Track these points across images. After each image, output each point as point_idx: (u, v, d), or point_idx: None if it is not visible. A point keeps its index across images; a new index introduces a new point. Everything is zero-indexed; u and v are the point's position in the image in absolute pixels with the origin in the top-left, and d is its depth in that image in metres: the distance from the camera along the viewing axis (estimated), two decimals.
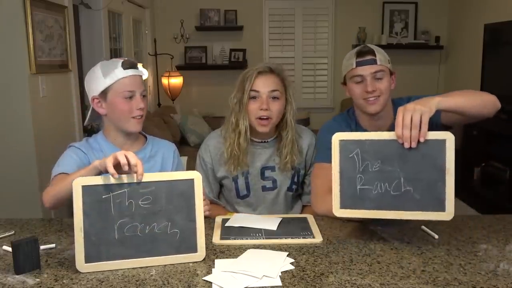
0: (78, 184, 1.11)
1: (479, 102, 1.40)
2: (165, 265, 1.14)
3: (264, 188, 1.71)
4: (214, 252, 1.22)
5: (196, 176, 1.19)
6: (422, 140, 1.20)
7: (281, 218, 1.46)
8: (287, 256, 1.18)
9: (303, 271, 1.10)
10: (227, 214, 1.63)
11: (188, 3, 5.21)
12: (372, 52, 1.53)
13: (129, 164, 1.14)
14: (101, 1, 3.62)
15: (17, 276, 1.09)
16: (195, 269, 1.12)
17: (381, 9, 5.30)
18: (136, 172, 1.14)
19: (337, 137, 1.28)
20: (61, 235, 1.35)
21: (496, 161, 3.77)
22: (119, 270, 1.12)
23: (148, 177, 1.16)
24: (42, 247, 1.22)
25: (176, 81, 4.98)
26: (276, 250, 1.22)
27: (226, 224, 1.41)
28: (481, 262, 1.14)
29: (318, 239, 1.29)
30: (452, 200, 1.20)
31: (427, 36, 5.25)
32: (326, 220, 1.45)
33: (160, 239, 1.15)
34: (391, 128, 1.60)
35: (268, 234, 1.33)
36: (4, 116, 2.46)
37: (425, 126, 1.20)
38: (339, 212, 1.28)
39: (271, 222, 1.41)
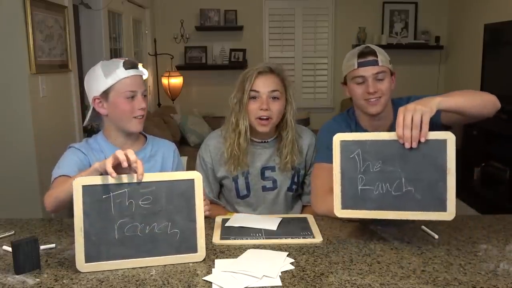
0: (78, 184, 1.11)
1: (479, 102, 1.40)
2: (165, 265, 1.14)
3: (264, 188, 1.71)
4: (214, 252, 1.21)
5: (196, 176, 1.19)
6: (423, 140, 1.20)
7: (281, 218, 1.46)
8: (287, 256, 1.18)
9: (303, 271, 1.10)
10: (227, 214, 1.63)
11: (188, 3, 5.21)
12: (374, 53, 1.53)
13: (129, 163, 1.14)
14: (101, 1, 3.62)
15: (17, 276, 1.09)
16: (195, 269, 1.12)
17: (381, 9, 5.30)
18: (136, 170, 1.14)
19: (338, 138, 1.28)
20: (61, 235, 1.35)
21: (496, 161, 3.77)
22: (119, 270, 1.12)
23: (148, 177, 1.16)
24: (42, 247, 1.22)
25: (176, 81, 4.98)
26: (276, 250, 1.22)
27: (226, 224, 1.41)
28: (481, 262, 1.14)
29: (318, 239, 1.29)
30: (453, 200, 1.20)
31: (427, 36, 5.25)
32: (326, 220, 1.45)
33: (160, 239, 1.15)
34: (391, 128, 1.60)
35: (268, 234, 1.33)
36: (4, 116, 2.46)
37: (426, 126, 1.20)
38: (340, 212, 1.28)
39: (271, 222, 1.41)
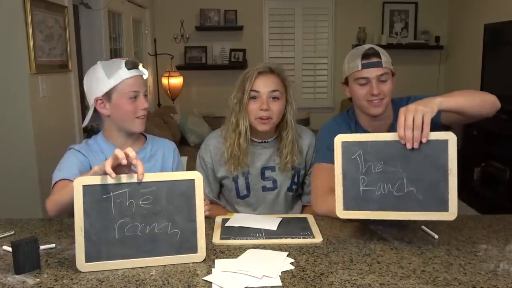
0: (78, 183, 1.12)
1: (478, 102, 1.40)
2: (165, 265, 1.14)
3: (264, 188, 1.71)
4: (214, 252, 1.21)
5: (196, 176, 1.19)
6: (424, 140, 1.20)
7: (281, 218, 1.46)
8: (287, 256, 1.18)
9: (303, 271, 1.10)
10: (227, 214, 1.63)
11: (188, 3, 5.21)
12: (378, 55, 1.52)
13: (128, 160, 1.14)
14: (101, 1, 3.62)
15: (17, 276, 1.09)
16: (195, 269, 1.12)
17: (381, 9, 5.30)
18: (136, 168, 1.14)
19: (340, 139, 1.28)
20: (61, 235, 1.35)
21: (496, 161, 3.76)
22: (119, 270, 1.12)
23: (148, 177, 1.15)
24: (42, 247, 1.22)
25: (176, 81, 4.98)
26: (276, 250, 1.22)
27: (226, 224, 1.41)
28: (481, 262, 1.14)
29: (318, 239, 1.29)
30: (455, 200, 1.20)
31: (427, 36, 5.25)
32: (326, 220, 1.45)
33: (160, 239, 1.15)
34: (391, 128, 1.60)
35: (268, 234, 1.33)
36: (4, 116, 2.46)
37: (427, 126, 1.20)
38: (342, 213, 1.28)
39: (271, 222, 1.41)
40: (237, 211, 1.72)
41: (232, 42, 5.31)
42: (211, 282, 1.05)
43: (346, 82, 1.62)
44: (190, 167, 1.76)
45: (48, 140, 2.63)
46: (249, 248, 1.23)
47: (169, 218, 1.16)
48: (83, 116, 3.05)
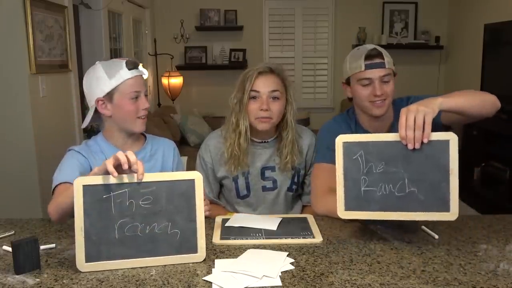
0: (79, 183, 1.12)
1: (479, 102, 1.40)
2: (165, 265, 1.14)
3: (264, 188, 1.71)
4: (214, 252, 1.22)
5: (196, 176, 1.19)
6: (425, 141, 1.20)
7: (281, 218, 1.46)
8: (287, 256, 1.18)
9: (303, 271, 1.10)
10: (227, 214, 1.63)
11: (188, 3, 5.21)
12: (381, 55, 1.52)
13: (129, 165, 1.14)
14: (101, 1, 3.62)
15: (17, 276, 1.09)
16: (195, 269, 1.12)
17: (381, 9, 5.30)
18: (136, 171, 1.14)
19: (341, 139, 1.27)
20: (61, 235, 1.35)
21: (496, 161, 3.76)
22: (119, 270, 1.12)
23: (148, 177, 1.16)
24: (42, 247, 1.22)
25: (176, 81, 4.98)
26: (276, 250, 1.22)
27: (226, 224, 1.41)
28: (481, 262, 1.14)
29: (318, 239, 1.29)
30: (456, 200, 1.20)
31: (427, 36, 5.25)
32: (326, 220, 1.45)
33: (160, 239, 1.15)
34: (391, 128, 1.60)
35: (268, 234, 1.33)
36: (4, 116, 2.46)
37: (428, 127, 1.20)
38: (344, 214, 1.28)
39: (271, 222, 1.41)
40: (237, 211, 1.72)
41: (232, 42, 5.31)
42: (211, 282, 1.05)
43: (347, 83, 1.61)
44: (190, 167, 1.76)
45: (48, 140, 2.63)
46: (249, 248, 1.23)
47: (169, 218, 1.16)
48: (83, 116, 3.04)
